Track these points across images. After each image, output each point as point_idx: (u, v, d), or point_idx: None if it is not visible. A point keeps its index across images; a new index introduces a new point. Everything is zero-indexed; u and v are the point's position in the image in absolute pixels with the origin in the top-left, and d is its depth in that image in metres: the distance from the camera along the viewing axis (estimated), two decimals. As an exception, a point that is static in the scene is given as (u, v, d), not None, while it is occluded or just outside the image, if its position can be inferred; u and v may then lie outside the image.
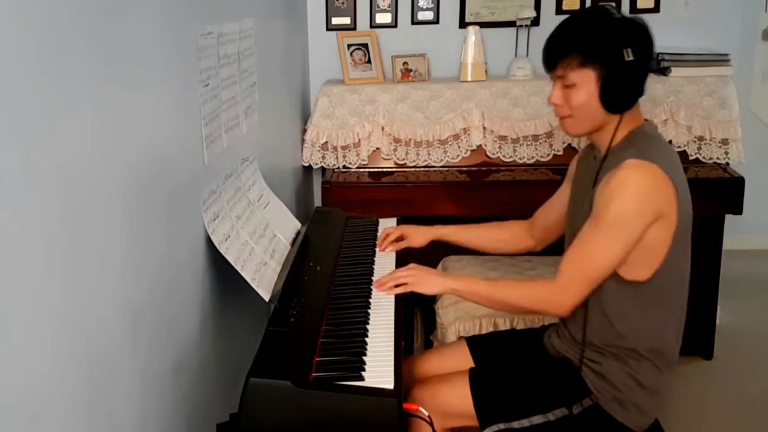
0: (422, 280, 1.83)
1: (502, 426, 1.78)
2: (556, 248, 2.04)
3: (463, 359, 1.99)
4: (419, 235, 2.13)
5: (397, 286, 1.83)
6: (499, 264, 2.77)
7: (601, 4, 1.75)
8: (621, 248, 1.66)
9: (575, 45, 1.72)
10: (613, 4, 3.26)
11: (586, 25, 1.76)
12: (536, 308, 1.81)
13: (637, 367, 1.75)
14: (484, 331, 2.49)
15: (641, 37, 1.71)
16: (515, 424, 1.77)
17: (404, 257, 2.09)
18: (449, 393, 1.83)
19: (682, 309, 1.80)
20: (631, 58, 1.66)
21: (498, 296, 1.80)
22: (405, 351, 1.88)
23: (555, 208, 2.03)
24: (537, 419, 1.76)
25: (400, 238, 2.14)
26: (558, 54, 1.73)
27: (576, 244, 1.71)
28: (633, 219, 1.64)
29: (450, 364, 1.97)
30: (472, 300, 1.87)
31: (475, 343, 2.05)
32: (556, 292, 1.73)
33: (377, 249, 2.13)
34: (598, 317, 1.76)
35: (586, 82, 1.71)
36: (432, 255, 2.58)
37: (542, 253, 2.26)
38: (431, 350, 2.34)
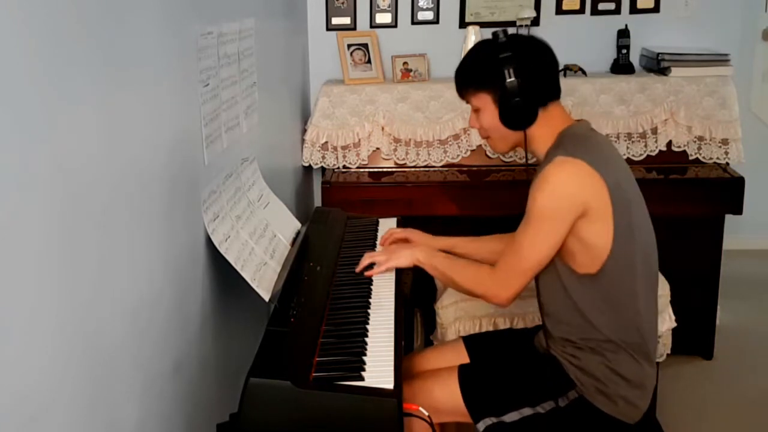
0: (392, 255, 1.95)
1: (494, 419, 1.81)
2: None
3: (460, 357, 2.02)
4: (423, 243, 2.15)
5: (372, 267, 1.94)
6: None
7: (486, 39, 1.89)
8: (548, 241, 1.74)
9: (467, 77, 1.89)
10: (613, 5, 3.26)
11: (473, 56, 1.92)
12: (479, 294, 1.87)
13: (614, 359, 1.78)
14: (483, 331, 2.49)
15: (525, 54, 1.82)
16: (506, 418, 1.80)
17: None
18: (438, 389, 1.86)
19: (648, 303, 1.82)
20: (512, 78, 1.78)
21: (451, 275, 1.90)
22: (405, 351, 1.88)
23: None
24: (527, 411, 1.80)
25: (405, 241, 2.15)
26: (459, 86, 1.92)
27: (511, 240, 1.82)
28: (556, 212, 1.72)
29: (446, 362, 1.99)
30: (432, 275, 1.97)
31: (471, 341, 2.08)
32: (495, 284, 1.82)
33: (378, 247, 2.13)
34: (569, 312, 1.80)
35: (486, 106, 1.86)
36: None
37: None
38: (429, 348, 2.35)
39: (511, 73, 1.77)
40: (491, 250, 2.15)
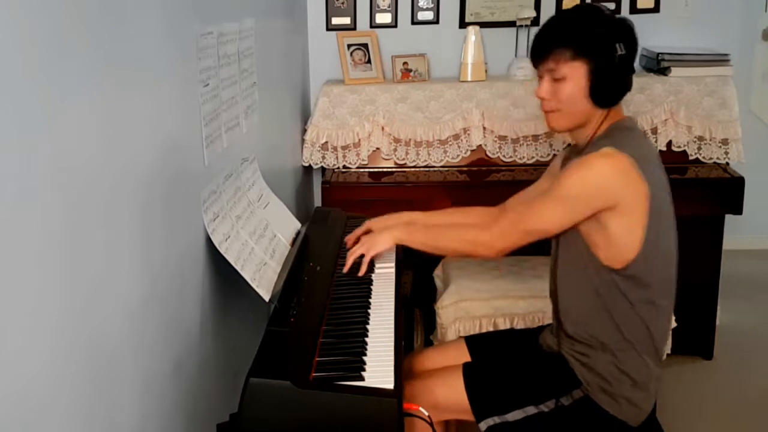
0: (373, 243, 1.92)
1: (497, 419, 1.81)
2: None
3: (462, 356, 2.01)
4: (384, 224, 2.07)
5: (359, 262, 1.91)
6: (500, 265, 2.77)
7: (591, 3, 1.83)
8: (564, 217, 1.73)
9: (568, 38, 1.75)
10: (613, 5, 3.26)
11: (578, 20, 1.80)
12: (470, 250, 1.87)
13: (623, 358, 1.77)
14: (483, 331, 2.49)
15: (630, 34, 1.77)
16: (509, 417, 1.80)
17: (404, 253, 2.08)
18: (442, 387, 1.86)
19: (666, 306, 1.82)
20: (623, 52, 1.72)
21: (436, 243, 1.90)
22: (405, 351, 1.88)
23: (529, 199, 2.04)
24: (530, 410, 1.79)
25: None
26: (550, 47, 1.77)
27: (529, 201, 1.82)
28: (583, 196, 1.70)
29: (448, 361, 1.98)
30: (417, 248, 1.93)
31: (473, 341, 2.08)
32: (489, 234, 1.80)
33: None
34: (588, 305, 1.79)
35: (576, 76, 1.75)
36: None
37: (542, 253, 2.25)
38: (431, 347, 2.35)
39: (622, 48, 1.72)
40: (454, 222, 2.12)
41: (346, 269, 1.92)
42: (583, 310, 1.81)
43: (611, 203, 1.69)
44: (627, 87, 1.78)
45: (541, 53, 1.79)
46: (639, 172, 1.69)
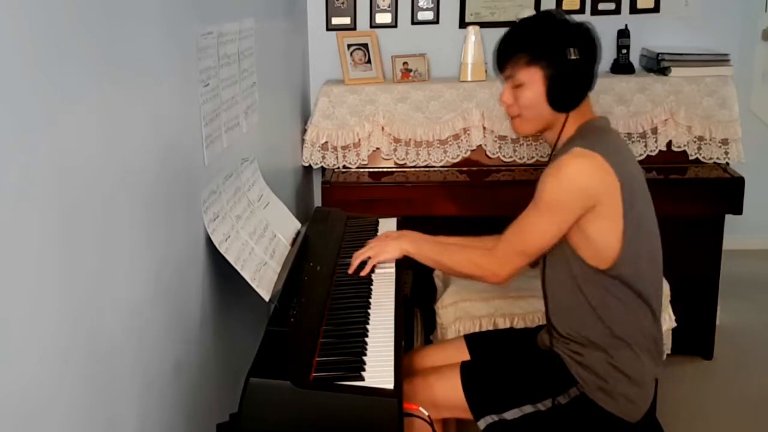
0: (380, 249, 1.94)
1: (495, 417, 1.81)
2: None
3: (461, 354, 2.02)
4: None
5: (365, 265, 1.93)
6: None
7: (548, 10, 1.84)
8: (552, 229, 1.74)
9: (522, 45, 1.80)
10: (613, 5, 3.26)
11: (532, 27, 1.86)
12: (475, 275, 1.87)
13: (616, 355, 1.78)
14: (485, 330, 2.49)
15: (584, 38, 1.79)
16: (507, 415, 1.81)
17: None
18: (440, 385, 1.86)
19: (654, 303, 1.83)
20: (575, 57, 1.74)
21: (444, 260, 1.90)
22: (404, 351, 1.88)
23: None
24: (527, 408, 1.80)
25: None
26: (506, 54, 1.82)
27: (516, 220, 1.81)
28: (565, 202, 1.72)
29: (448, 359, 1.99)
30: (424, 262, 1.95)
31: (473, 339, 2.09)
32: (493, 263, 1.82)
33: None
34: (576, 306, 1.80)
35: (533, 81, 1.79)
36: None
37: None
38: (431, 345, 2.35)
39: (574, 52, 1.74)
40: (465, 243, 2.13)
41: (351, 270, 1.94)
42: (571, 309, 1.82)
43: (590, 204, 1.71)
44: (586, 89, 1.80)
45: (499, 61, 1.85)
46: (611, 167, 1.71)
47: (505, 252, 1.81)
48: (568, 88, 1.77)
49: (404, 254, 1.96)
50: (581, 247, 1.76)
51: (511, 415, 1.80)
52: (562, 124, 1.81)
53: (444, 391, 1.85)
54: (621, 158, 1.76)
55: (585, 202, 1.71)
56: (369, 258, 1.94)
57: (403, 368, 1.56)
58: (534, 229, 1.77)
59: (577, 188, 1.72)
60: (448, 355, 2.02)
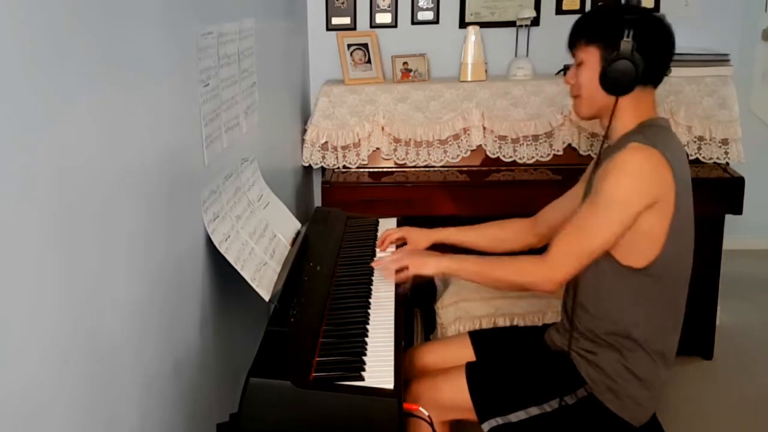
0: (420, 262, 1.89)
1: (500, 420, 1.80)
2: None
3: (465, 352, 2.01)
4: (421, 238, 2.14)
5: (399, 270, 1.90)
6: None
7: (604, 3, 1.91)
8: (614, 228, 1.69)
9: (585, 26, 1.85)
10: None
11: (599, 10, 1.99)
12: (527, 282, 1.79)
13: (630, 356, 1.77)
14: (490, 327, 2.49)
15: (648, 26, 1.79)
16: (512, 417, 1.79)
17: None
18: (446, 386, 1.85)
19: (680, 306, 1.82)
20: (630, 39, 1.74)
21: (490, 274, 1.84)
22: (404, 350, 1.88)
23: (564, 206, 2.03)
24: (533, 410, 1.78)
25: (401, 241, 2.14)
26: (574, 35, 1.87)
27: (571, 221, 1.75)
28: (628, 200, 1.68)
29: (451, 357, 1.98)
30: (467, 279, 1.91)
31: (477, 336, 2.07)
32: (546, 267, 1.75)
33: (377, 249, 2.13)
34: (594, 306, 1.79)
35: (591, 61, 1.81)
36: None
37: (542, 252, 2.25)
38: (433, 342, 2.34)
39: (629, 35, 1.74)
40: (497, 237, 2.13)
41: (387, 276, 1.91)
42: (593, 308, 1.79)
43: (650, 201, 1.67)
44: (639, 76, 1.75)
45: (570, 41, 1.88)
46: (669, 165, 1.68)
47: (559, 255, 1.73)
48: (619, 70, 1.75)
49: (445, 272, 1.93)
50: (618, 245, 1.71)
51: (516, 417, 1.79)
52: (620, 114, 1.79)
53: (450, 392, 1.84)
54: (678, 160, 1.74)
55: (647, 199, 1.67)
56: (406, 267, 1.89)
57: (403, 368, 1.56)
58: (593, 229, 1.70)
59: (638, 184, 1.68)
60: (451, 352, 2.01)
